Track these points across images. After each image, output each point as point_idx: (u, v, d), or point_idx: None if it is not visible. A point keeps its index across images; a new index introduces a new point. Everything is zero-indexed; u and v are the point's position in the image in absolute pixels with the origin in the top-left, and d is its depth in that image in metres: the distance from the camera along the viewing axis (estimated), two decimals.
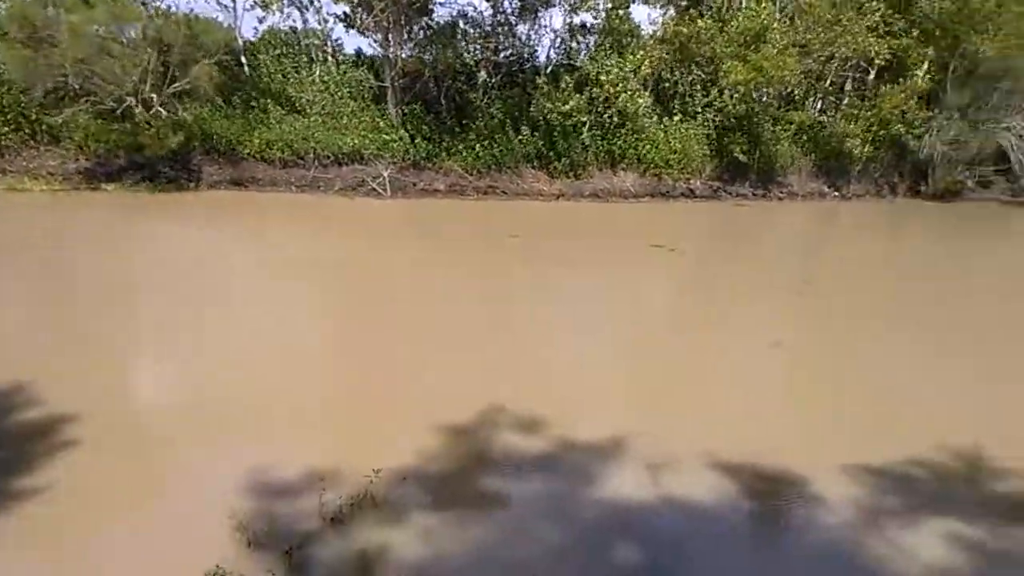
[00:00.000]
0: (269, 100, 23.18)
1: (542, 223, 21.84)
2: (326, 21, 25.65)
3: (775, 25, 26.37)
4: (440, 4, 26.49)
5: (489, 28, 26.61)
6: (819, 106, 31.03)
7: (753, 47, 25.61)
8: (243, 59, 24.44)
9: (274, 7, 24.82)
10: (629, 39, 26.98)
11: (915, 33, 28.97)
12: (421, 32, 26.12)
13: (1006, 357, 11.07)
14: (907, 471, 7.22)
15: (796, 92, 30.04)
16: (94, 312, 10.78)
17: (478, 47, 26.55)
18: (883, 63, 29.14)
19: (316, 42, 25.28)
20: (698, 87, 27.56)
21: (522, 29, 27.38)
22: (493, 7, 26.61)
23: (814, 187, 29.02)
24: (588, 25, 27.72)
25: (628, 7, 27.55)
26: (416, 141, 23.42)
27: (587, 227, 21.85)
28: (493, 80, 26.19)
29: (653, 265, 16.47)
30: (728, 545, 6.03)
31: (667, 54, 26.15)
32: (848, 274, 16.62)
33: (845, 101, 31.20)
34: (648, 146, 25.58)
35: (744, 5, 27.41)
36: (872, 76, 30.89)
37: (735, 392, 9.15)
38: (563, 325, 11.72)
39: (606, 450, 7.32)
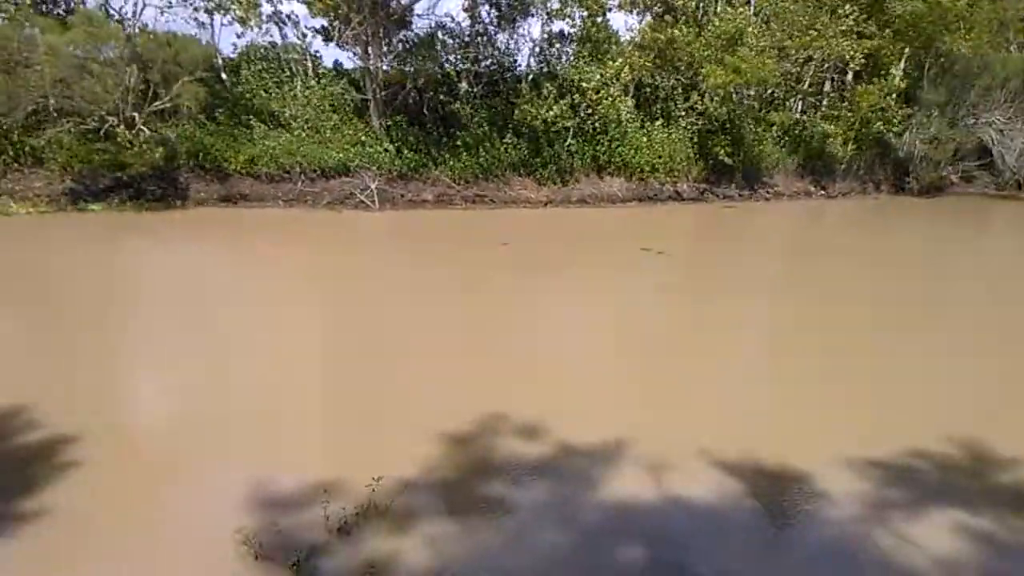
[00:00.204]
0: (252, 116, 23.80)
1: (532, 230, 22.57)
2: (304, 35, 26.39)
3: (751, 29, 27.58)
4: (419, 16, 27.32)
5: (468, 38, 27.48)
6: (800, 107, 32.32)
7: (730, 50, 26.75)
8: (223, 75, 25.01)
9: (252, 23, 25.45)
10: (608, 46, 27.98)
11: (888, 33, 30.31)
12: (400, 44, 26.93)
13: (1007, 344, 11.88)
14: (911, 463, 7.55)
15: (776, 93, 31.32)
16: (87, 333, 11.13)
17: (458, 57, 27.40)
18: (858, 67, 30.48)
19: (296, 56, 25.94)
20: (679, 91, 28.68)
21: (501, 38, 28.30)
22: (471, 18, 27.56)
23: (800, 186, 30.19)
24: (566, 33, 28.72)
25: (605, 15, 28.66)
26: (402, 152, 24.15)
27: (576, 233, 22.61)
28: (475, 89, 27.04)
29: (644, 268, 17.15)
30: (733, 543, 6.25)
31: (647, 60, 27.16)
32: (839, 270, 17.49)
33: (825, 101, 32.51)
34: (632, 151, 26.54)
35: (719, 10, 28.58)
36: (850, 76, 32.24)
37: (734, 390, 9.54)
38: (558, 330, 12.22)
39: (607, 453, 7.62)
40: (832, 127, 30.77)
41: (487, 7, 27.57)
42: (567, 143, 26.01)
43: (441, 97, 26.57)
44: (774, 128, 30.20)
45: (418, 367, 10.14)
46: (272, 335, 11.36)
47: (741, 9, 28.12)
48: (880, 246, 21.40)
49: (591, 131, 26.38)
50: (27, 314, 12.35)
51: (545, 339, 11.79)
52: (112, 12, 23.52)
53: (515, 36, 28.35)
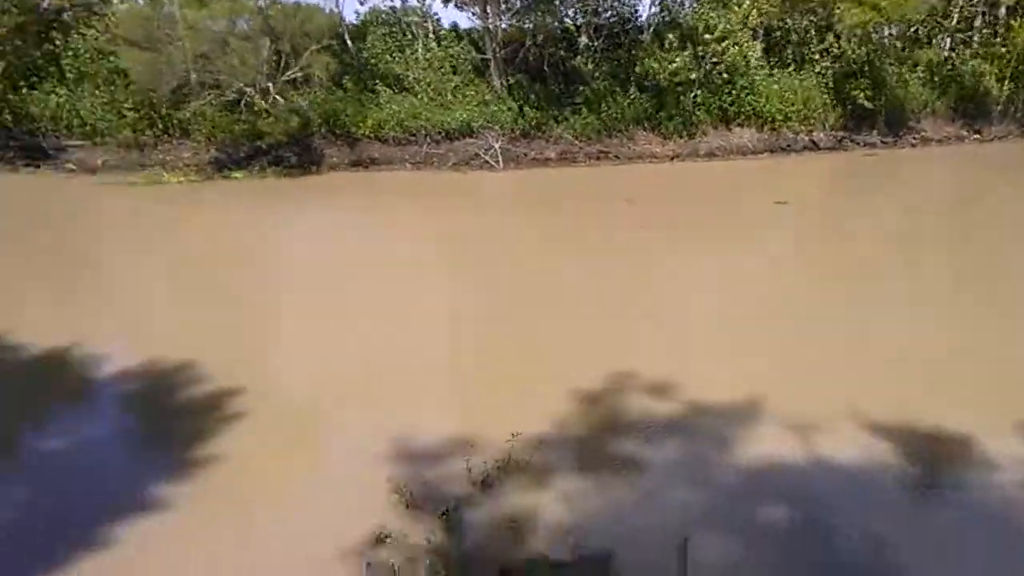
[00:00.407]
0: (378, 80, 24.83)
1: (657, 186, 22.61)
2: None
3: None
4: None
5: None
6: (948, 44, 30.40)
7: None
8: (348, 42, 26.14)
9: None
10: None
11: None
12: (518, 1, 27.22)
13: None
14: None
15: (920, 31, 29.61)
16: (239, 294, 12.40)
17: (577, 11, 27.49)
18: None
19: (416, 19, 26.75)
20: (812, 34, 27.65)
21: None
22: None
23: (950, 131, 28.59)
24: None
25: None
26: (524, 111, 24.57)
27: (704, 187, 22.48)
28: (595, 44, 27.07)
29: (777, 222, 16.95)
30: (880, 505, 6.15)
31: (776, 3, 26.29)
32: (999, 220, 16.66)
33: (976, 38, 30.48)
34: (763, 100, 25.89)
35: None
36: (1003, 11, 30.05)
37: (881, 350, 9.29)
38: (688, 288, 12.38)
39: (743, 413, 7.62)
40: (987, 65, 28.86)
41: None
42: (692, 94, 25.67)
43: (561, 53, 26.79)
44: (919, 68, 28.65)
45: (549, 325, 10.58)
46: (408, 295, 12.17)
47: None
48: None
49: (718, 80, 25.87)
50: (184, 276, 13.89)
51: (675, 296, 11.96)
52: None
53: None
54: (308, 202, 20.46)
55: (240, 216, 18.78)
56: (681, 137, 25.39)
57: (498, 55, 25.91)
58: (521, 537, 5.87)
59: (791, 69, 26.99)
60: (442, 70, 25.53)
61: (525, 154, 24.33)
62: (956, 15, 29.67)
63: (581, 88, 25.59)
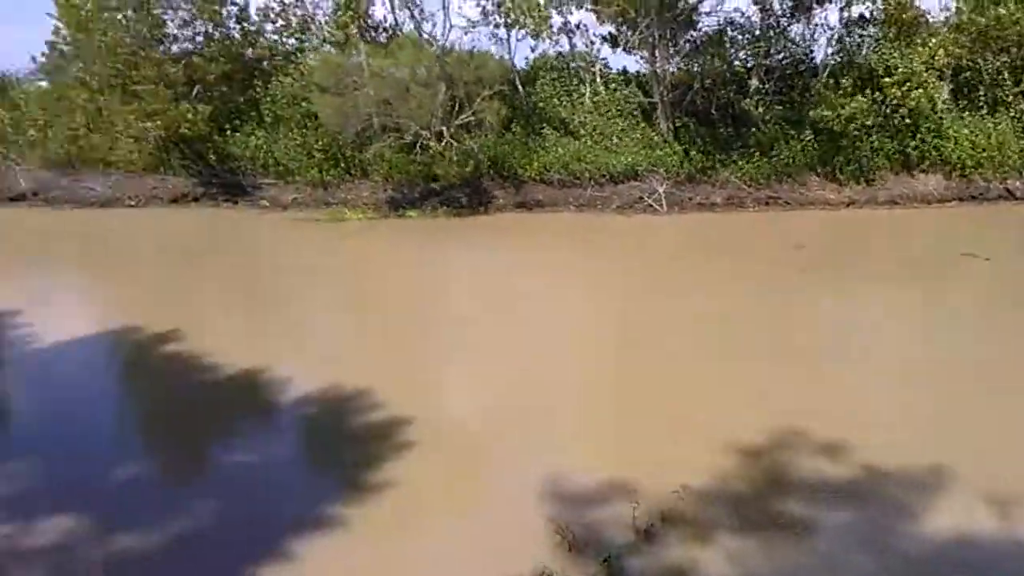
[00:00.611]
0: (544, 124, 26.13)
1: (831, 233, 22.30)
2: (592, 43, 28.32)
3: None
4: (706, 14, 27.93)
5: (759, 32, 27.61)
6: None
7: None
8: (519, 87, 27.64)
9: (544, 35, 27.86)
10: (915, 27, 26.47)
11: None
12: (687, 44, 27.80)
13: None
14: None
15: None
16: (410, 326, 13.68)
17: (748, 53, 27.67)
18: None
19: (583, 64, 27.90)
20: (1006, 75, 26.29)
21: (795, 29, 28.07)
22: (762, 10, 27.65)
23: None
24: (868, 17, 27.64)
25: None
26: (690, 154, 25.00)
27: (882, 236, 21.93)
28: (767, 86, 27.10)
29: (965, 277, 16.30)
30: None
31: (965, 43, 25.28)
32: None
33: None
34: (951, 145, 24.87)
35: None
36: None
37: None
38: (863, 342, 12.11)
39: (926, 480, 7.39)
40: None
41: None
42: (871, 138, 25.09)
43: (730, 95, 27.03)
44: None
45: (712, 371, 10.81)
46: (570, 334, 12.95)
47: None
48: None
49: (899, 124, 25.15)
50: (362, 308, 15.58)
51: (849, 347, 11.82)
52: (424, 35, 27.11)
53: (811, 26, 27.99)
54: (476, 241, 21.91)
55: (413, 252, 20.50)
56: (858, 183, 24.84)
57: (665, 98, 26.51)
58: None
59: (983, 112, 25.76)
60: (608, 113, 26.46)
61: (690, 198, 24.69)
62: None
63: (751, 131, 25.70)
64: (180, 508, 7.52)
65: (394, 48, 25.68)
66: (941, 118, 25.35)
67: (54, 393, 10.89)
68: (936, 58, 25.08)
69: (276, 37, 29.46)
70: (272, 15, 29.00)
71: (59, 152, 27.69)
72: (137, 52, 26.09)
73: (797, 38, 28.04)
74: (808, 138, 25.23)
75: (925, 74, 24.85)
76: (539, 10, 27.36)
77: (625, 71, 28.86)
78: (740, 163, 24.97)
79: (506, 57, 28.29)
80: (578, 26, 28.41)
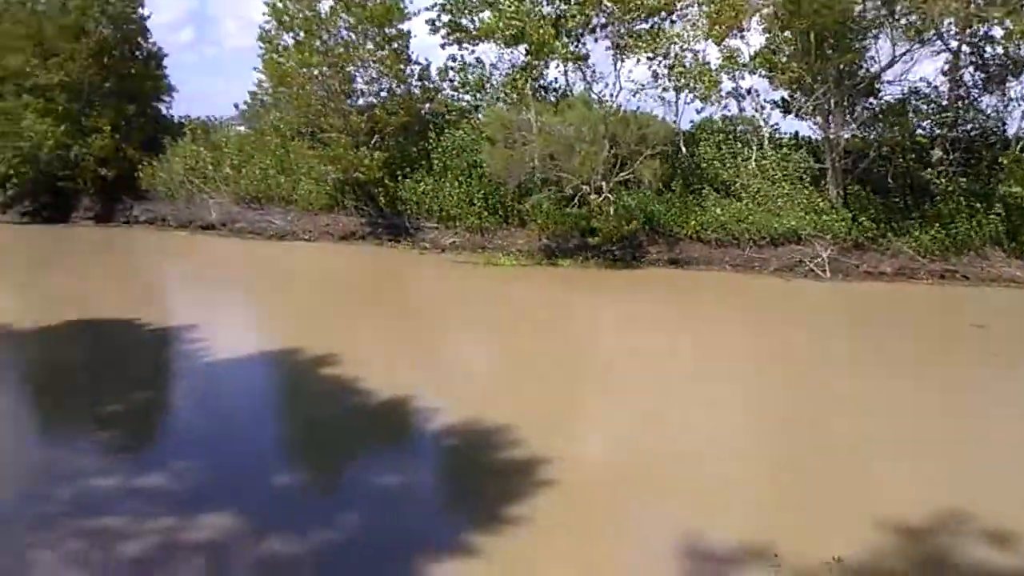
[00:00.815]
0: (705, 184, 26.38)
1: (1015, 313, 20.81)
2: (763, 108, 28.46)
3: None
4: (888, 83, 27.42)
5: (946, 103, 26.73)
6: None
7: None
8: (682, 147, 28.21)
9: (712, 99, 28.43)
10: None
11: None
12: (865, 112, 27.33)
13: None
14: None
15: None
16: (555, 365, 14.32)
17: (932, 123, 26.80)
18: None
19: (750, 128, 28.06)
20: None
21: (987, 101, 26.98)
22: (951, 81, 26.79)
23: None
24: None
25: None
26: (859, 221, 24.27)
27: None
28: (951, 156, 26.02)
29: None
30: None
31: None
32: None
33: None
34: None
35: None
36: None
37: None
38: None
39: None
40: None
41: (971, 68, 26.66)
42: None
43: (909, 164, 26.18)
44: None
45: (864, 448, 10.42)
46: (716, 393, 12.89)
47: None
48: None
49: None
50: (510, 347, 16.38)
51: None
52: (593, 95, 28.46)
53: (1004, 98, 26.79)
54: (626, 292, 22.38)
55: (563, 299, 21.36)
56: None
57: (837, 164, 26.07)
58: None
59: None
60: (774, 177, 26.31)
61: (856, 266, 23.91)
62: None
63: (929, 202, 24.67)
64: (325, 519, 8.15)
65: (564, 107, 27.18)
66: None
67: (221, 403, 12.24)
68: None
69: (453, 93, 32.02)
70: (452, 74, 31.56)
71: (249, 189, 31.52)
72: (327, 104, 29.25)
73: (988, 110, 26.97)
74: (996, 214, 23.87)
75: None
76: (710, 75, 28.12)
77: (796, 135, 28.71)
78: (915, 233, 23.94)
79: (671, 119, 29.09)
80: (749, 91, 28.83)
